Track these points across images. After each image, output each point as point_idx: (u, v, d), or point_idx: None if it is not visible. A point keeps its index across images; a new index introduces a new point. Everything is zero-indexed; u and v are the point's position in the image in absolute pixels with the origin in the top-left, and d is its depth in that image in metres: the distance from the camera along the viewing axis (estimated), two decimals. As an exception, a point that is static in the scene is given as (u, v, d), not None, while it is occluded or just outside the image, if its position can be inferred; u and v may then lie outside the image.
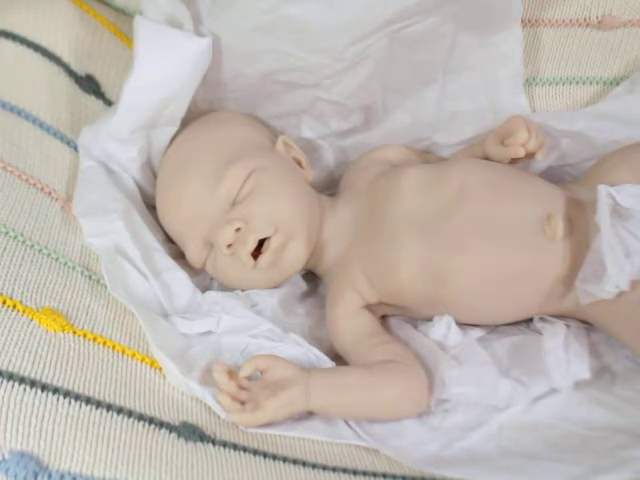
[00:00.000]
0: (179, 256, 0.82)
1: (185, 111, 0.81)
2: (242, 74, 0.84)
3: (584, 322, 0.76)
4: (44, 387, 0.56)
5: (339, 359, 0.77)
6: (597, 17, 0.90)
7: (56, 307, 0.65)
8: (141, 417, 0.59)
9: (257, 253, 0.76)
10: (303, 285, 0.85)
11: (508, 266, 0.73)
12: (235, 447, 0.61)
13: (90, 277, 0.72)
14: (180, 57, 0.77)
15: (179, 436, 0.59)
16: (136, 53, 0.77)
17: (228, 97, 0.87)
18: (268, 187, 0.77)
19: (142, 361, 0.66)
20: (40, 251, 0.69)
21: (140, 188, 0.84)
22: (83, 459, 0.52)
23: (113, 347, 0.66)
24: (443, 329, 0.75)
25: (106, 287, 0.71)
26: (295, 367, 0.69)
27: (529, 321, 0.78)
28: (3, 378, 0.54)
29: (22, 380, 0.55)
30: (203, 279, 0.83)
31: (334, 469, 0.62)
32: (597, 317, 0.73)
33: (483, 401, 0.70)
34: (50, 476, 0.50)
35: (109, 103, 0.88)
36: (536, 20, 0.90)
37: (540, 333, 0.75)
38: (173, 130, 0.82)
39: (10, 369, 0.56)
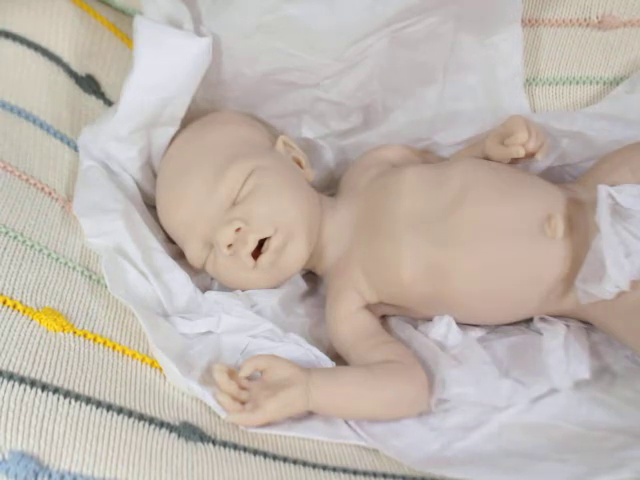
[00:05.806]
0: (179, 256, 0.82)
1: (185, 111, 0.81)
2: (242, 74, 0.84)
3: (584, 322, 0.76)
4: (44, 387, 0.56)
5: (339, 359, 0.77)
6: (597, 17, 0.90)
7: (56, 307, 0.65)
8: (141, 417, 0.59)
9: (257, 253, 0.76)
10: (303, 285, 0.85)
11: (508, 266, 0.73)
12: (235, 447, 0.61)
13: (90, 277, 0.72)
14: (180, 57, 0.77)
15: (179, 436, 0.59)
16: (136, 53, 0.77)
17: (228, 97, 0.87)
18: (268, 187, 0.77)
19: (142, 361, 0.66)
20: (40, 251, 0.69)
21: (140, 188, 0.84)
22: (83, 459, 0.52)
23: (113, 347, 0.66)
24: (443, 329, 0.75)
25: (106, 287, 0.71)
26: (295, 367, 0.69)
27: (529, 321, 0.78)
28: (3, 378, 0.55)
29: (22, 380, 0.55)
30: (203, 279, 0.83)
31: (334, 469, 0.62)
32: (597, 317, 0.73)
33: (483, 401, 0.70)
34: (50, 476, 0.50)
35: (109, 103, 0.88)
36: (536, 20, 0.90)
37: (540, 333, 0.75)
38: (173, 130, 0.82)
39: (10, 369, 0.56)
